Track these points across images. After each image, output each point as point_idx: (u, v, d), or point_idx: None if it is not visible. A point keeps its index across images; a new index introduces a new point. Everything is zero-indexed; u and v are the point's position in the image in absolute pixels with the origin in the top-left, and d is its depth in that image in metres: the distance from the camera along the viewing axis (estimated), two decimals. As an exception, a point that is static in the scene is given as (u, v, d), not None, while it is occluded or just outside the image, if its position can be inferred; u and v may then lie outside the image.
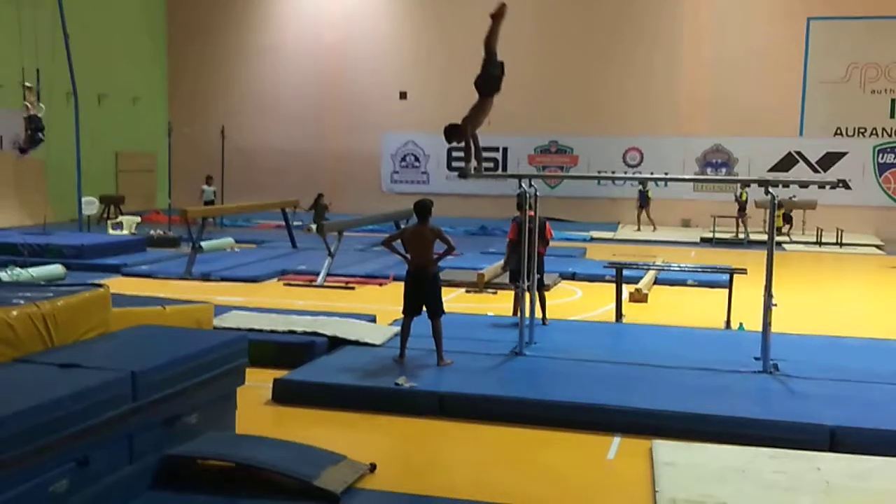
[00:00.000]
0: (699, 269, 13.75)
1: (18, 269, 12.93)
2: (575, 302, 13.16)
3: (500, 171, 26.54)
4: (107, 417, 4.97)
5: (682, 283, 14.52)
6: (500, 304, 12.47)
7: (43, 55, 19.07)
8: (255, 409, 7.40)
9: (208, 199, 22.39)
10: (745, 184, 22.71)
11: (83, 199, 19.56)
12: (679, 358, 8.70)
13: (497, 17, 8.67)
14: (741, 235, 21.84)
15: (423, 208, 8.66)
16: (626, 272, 12.18)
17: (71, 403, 4.74)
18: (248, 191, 25.31)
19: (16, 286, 7.85)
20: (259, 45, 28.77)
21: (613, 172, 25.51)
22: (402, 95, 27.74)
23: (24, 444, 4.43)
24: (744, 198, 22.43)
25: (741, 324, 10.67)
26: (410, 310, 8.59)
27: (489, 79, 8.59)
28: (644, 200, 23.69)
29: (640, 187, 23.79)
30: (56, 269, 13.81)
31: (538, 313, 10.04)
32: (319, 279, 14.35)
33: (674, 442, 6.58)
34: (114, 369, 5.25)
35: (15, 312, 5.50)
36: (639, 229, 23.60)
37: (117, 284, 11.93)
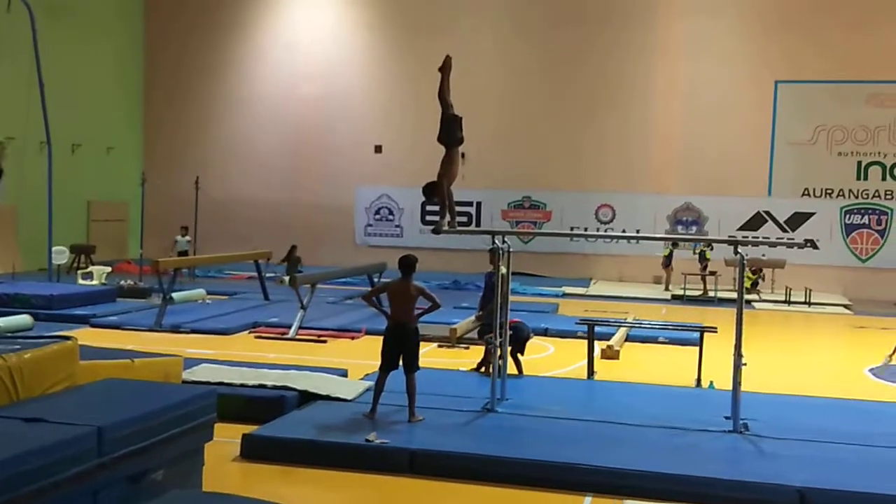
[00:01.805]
0: (670, 327, 13.84)
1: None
2: (547, 358, 13.17)
3: (473, 226, 26.67)
4: (72, 473, 4.88)
5: (654, 340, 14.59)
6: (472, 358, 12.44)
7: (18, 104, 19.08)
8: (223, 465, 7.30)
9: (182, 250, 22.29)
10: (708, 243, 23.02)
11: (54, 249, 19.42)
12: (650, 416, 8.71)
13: (444, 69, 8.94)
14: (710, 293, 22.02)
15: (408, 264, 8.69)
16: (598, 329, 12.22)
17: (35, 458, 4.66)
18: (221, 242, 25.24)
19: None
20: (235, 97, 28.93)
21: (586, 229, 25.74)
22: (377, 149, 27.93)
23: (-14, 501, 4.34)
24: (707, 256, 22.69)
25: (711, 382, 10.71)
26: (388, 365, 8.56)
27: (449, 130, 8.76)
28: (668, 260, 23.64)
29: (670, 247, 23.72)
30: (23, 319, 13.63)
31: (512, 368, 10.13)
32: (291, 332, 14.27)
33: (644, 502, 6.57)
34: (80, 424, 5.18)
35: (-20, 365, 5.43)
36: (667, 289, 23.50)
37: (86, 335, 11.78)
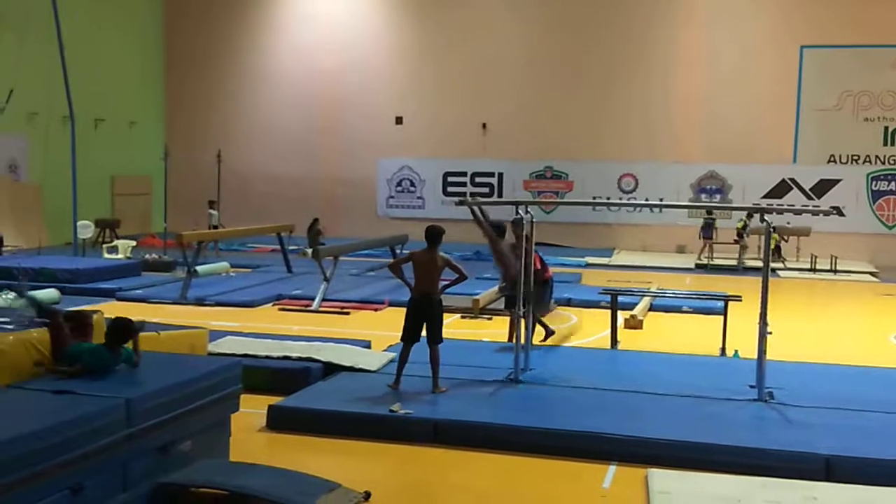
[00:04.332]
0: (694, 296, 13.77)
1: (13, 294, 12.88)
2: (570, 328, 13.16)
3: (495, 197, 26.59)
4: (101, 444, 4.95)
5: (678, 310, 14.53)
6: (495, 329, 12.46)
7: (41, 80, 19.15)
8: (249, 435, 7.37)
9: (214, 224, 22.40)
10: (749, 213, 22.64)
11: (79, 223, 19.56)
12: (674, 385, 8.70)
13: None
14: (741, 262, 21.78)
15: (434, 234, 8.60)
16: (621, 298, 12.19)
17: (65, 430, 4.73)
18: (244, 215, 25.31)
19: (11, 311, 7.85)
20: (255, 70, 28.89)
21: (608, 198, 25.58)
22: (398, 120, 27.84)
23: (19, 471, 4.41)
24: (741, 225, 22.45)
25: (736, 351, 10.67)
26: (411, 335, 8.56)
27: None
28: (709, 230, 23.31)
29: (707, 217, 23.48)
30: (51, 293, 13.77)
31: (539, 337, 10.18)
32: (315, 304, 14.33)
33: (669, 471, 6.57)
34: (108, 396, 5.24)
35: (10, 338, 5.50)
36: (704, 258, 22.97)
37: (112, 309, 11.90)
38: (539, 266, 10.68)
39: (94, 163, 24.01)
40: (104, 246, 21.39)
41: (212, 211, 22.72)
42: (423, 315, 8.52)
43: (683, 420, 7.58)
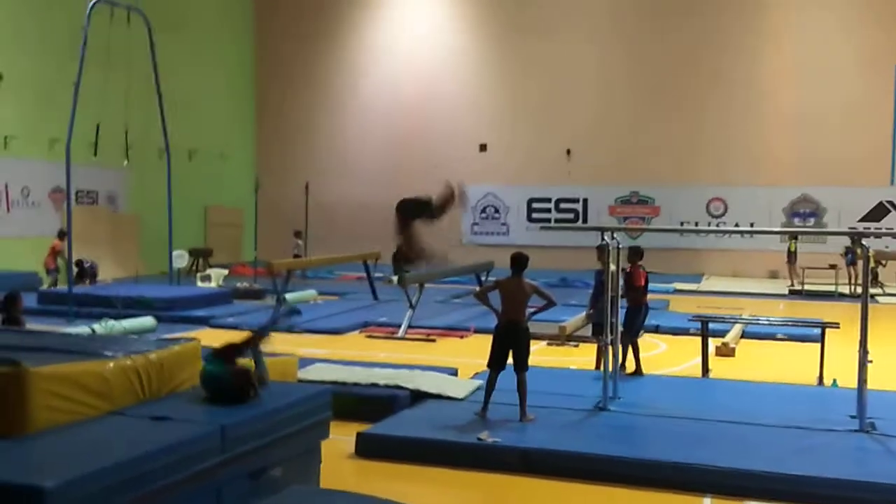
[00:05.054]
0: (789, 323, 13.37)
1: (112, 322, 13.33)
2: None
3: (579, 223, 26.41)
4: (197, 470, 5.05)
5: (771, 337, 14.12)
6: (581, 356, 12.32)
7: (137, 113, 19.89)
8: (339, 462, 7.42)
9: (299, 253, 22.87)
10: (853, 238, 22.05)
11: (174, 253, 20.16)
12: (769, 415, 8.43)
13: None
14: (842, 288, 21.04)
15: (522, 261, 8.61)
16: (712, 325, 11.92)
17: (163, 456, 4.84)
18: (330, 243, 25.72)
19: (110, 339, 8.11)
20: (341, 102, 29.48)
21: (697, 224, 25.14)
22: (482, 148, 27.97)
23: (118, 497, 4.52)
24: (843, 252, 21.69)
25: (835, 380, 10.29)
26: (498, 363, 8.52)
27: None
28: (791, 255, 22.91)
29: (792, 241, 22.90)
30: (148, 321, 14.20)
31: (630, 366, 9.97)
32: (401, 331, 14.42)
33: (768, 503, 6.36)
34: (204, 422, 5.36)
35: (110, 365, 5.66)
36: (792, 284, 22.80)
37: (205, 336, 12.13)
38: (642, 283, 10.46)
39: (188, 194, 24.75)
40: (198, 275, 22.00)
41: (298, 241, 23.18)
42: (511, 342, 8.49)
43: (781, 451, 7.33)
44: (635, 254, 10.75)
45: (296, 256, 22.49)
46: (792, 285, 22.37)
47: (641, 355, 10.76)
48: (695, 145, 25.90)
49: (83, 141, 17.94)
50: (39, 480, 4.24)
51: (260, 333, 6.37)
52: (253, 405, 5.88)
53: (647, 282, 10.76)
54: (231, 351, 6.15)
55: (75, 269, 17.62)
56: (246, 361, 6.16)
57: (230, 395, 5.84)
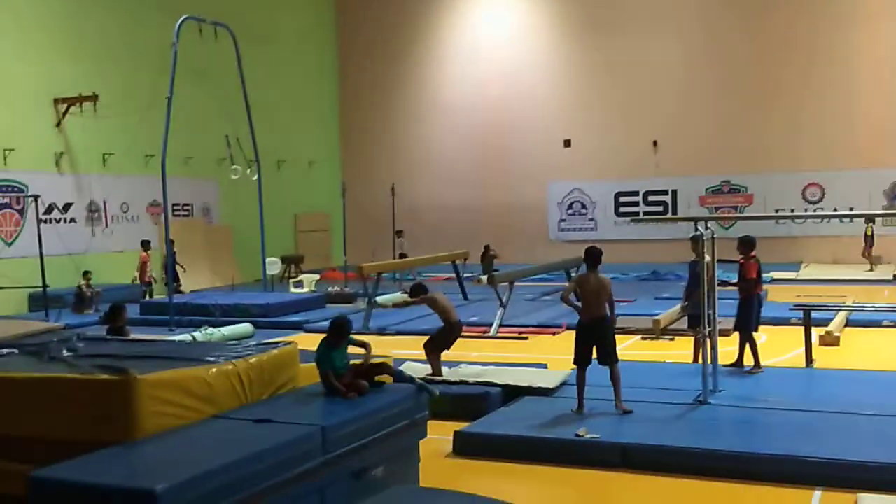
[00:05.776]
0: (896, 309, 12.86)
1: (211, 329, 13.69)
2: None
3: (669, 215, 25.94)
4: (300, 471, 5.13)
5: (877, 325, 13.59)
6: (677, 350, 12.09)
7: (226, 127, 20.41)
8: (437, 461, 7.45)
9: (402, 253, 23.11)
10: None
11: (267, 260, 20.58)
12: (879, 405, 8.11)
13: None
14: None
15: (595, 255, 8.53)
16: (814, 314, 11.52)
17: (268, 457, 4.93)
18: (418, 245, 25.88)
19: (210, 346, 8.32)
20: (423, 105, 29.64)
21: (793, 210, 24.39)
22: (567, 143, 27.74)
23: (225, 499, 4.63)
24: None
25: (948, 367, 9.85)
26: (584, 359, 8.45)
27: None
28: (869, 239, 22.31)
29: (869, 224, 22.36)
30: (246, 327, 14.55)
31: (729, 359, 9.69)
32: (493, 330, 14.40)
33: (882, 495, 6.11)
34: (305, 424, 5.44)
35: (213, 370, 5.80)
36: (871, 269, 22.14)
37: (300, 340, 12.35)
38: (754, 275, 10.11)
39: (279, 202, 25.25)
40: (290, 281, 22.44)
41: (400, 240, 23.40)
42: (594, 338, 8.41)
43: (894, 441, 7.03)
44: (746, 244, 10.31)
45: (401, 256, 22.76)
46: (871, 269, 21.58)
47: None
48: (787, 130, 25.12)
49: (177, 155, 18.48)
50: (150, 484, 4.37)
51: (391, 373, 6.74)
52: (352, 406, 5.95)
53: (759, 273, 10.29)
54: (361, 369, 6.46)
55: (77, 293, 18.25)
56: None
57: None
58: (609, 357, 8.39)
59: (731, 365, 10.20)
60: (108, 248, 21.67)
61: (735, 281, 10.27)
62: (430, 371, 9.88)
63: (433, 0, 29.55)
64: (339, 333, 6.43)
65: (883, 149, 24.26)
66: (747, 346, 10.13)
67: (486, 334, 14.35)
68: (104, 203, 21.90)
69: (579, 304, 8.59)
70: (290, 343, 6.69)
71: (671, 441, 7.28)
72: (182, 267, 19.82)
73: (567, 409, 8.35)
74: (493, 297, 15.38)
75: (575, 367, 8.51)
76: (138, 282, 19.50)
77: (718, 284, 10.68)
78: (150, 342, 7.95)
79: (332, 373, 6.22)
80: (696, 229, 9.15)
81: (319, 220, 29.13)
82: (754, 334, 10.16)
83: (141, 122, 20.66)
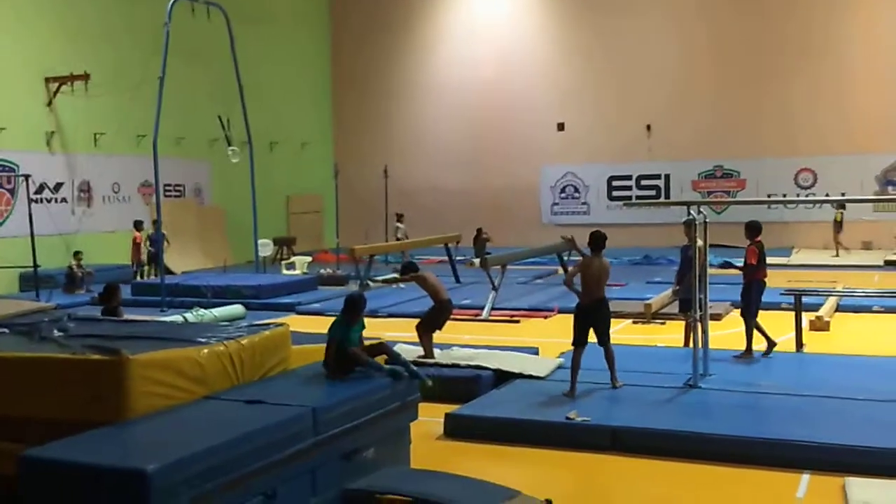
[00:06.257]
0: (887, 294, 12.92)
1: (203, 310, 13.67)
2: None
3: (662, 199, 25.96)
4: (291, 451, 5.15)
5: (867, 310, 13.67)
6: (668, 334, 12.13)
7: (220, 108, 20.32)
8: (428, 443, 7.48)
9: (401, 236, 23.04)
10: None
11: (259, 242, 20.54)
12: (868, 390, 8.17)
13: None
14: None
15: (601, 239, 8.60)
16: (805, 299, 11.58)
17: (258, 438, 4.94)
18: (411, 227, 25.82)
19: (202, 326, 8.31)
20: (417, 86, 29.51)
21: (785, 195, 24.43)
22: (560, 127, 27.69)
23: (217, 478, 4.64)
24: None
25: (937, 352, 9.91)
26: (582, 340, 8.54)
27: None
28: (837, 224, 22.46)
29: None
30: (237, 309, 14.52)
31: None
32: (485, 313, 14.42)
33: (868, 479, 6.17)
34: (296, 405, 5.45)
35: (205, 351, 5.80)
36: (837, 254, 22.34)
37: (292, 322, 12.34)
38: (753, 261, 9.98)
39: (271, 184, 25.14)
40: (282, 263, 22.40)
41: (399, 224, 23.34)
42: (594, 319, 8.50)
43: (881, 426, 7.10)
44: (752, 229, 10.16)
45: (399, 239, 22.71)
46: (837, 255, 21.84)
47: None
48: (780, 116, 25.12)
49: (169, 135, 18.37)
50: (141, 463, 4.39)
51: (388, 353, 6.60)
52: (343, 387, 5.97)
53: (760, 258, 10.13)
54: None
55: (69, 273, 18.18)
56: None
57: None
58: (605, 337, 8.54)
59: (767, 352, 10.03)
60: (99, 228, 21.57)
61: (740, 265, 10.26)
62: (421, 353, 9.91)
63: (427, -19, 29.41)
64: (353, 311, 6.44)
65: (875, 135, 24.28)
66: (755, 331, 10.05)
67: (478, 317, 14.39)
68: (90, 183, 21.70)
69: (579, 288, 8.63)
70: (281, 325, 6.68)
71: (661, 424, 7.33)
72: (167, 241, 19.57)
73: (558, 392, 8.39)
74: (485, 280, 15.40)
75: (573, 347, 8.57)
76: (144, 258, 19.47)
77: (722, 268, 10.77)
78: (142, 323, 7.93)
79: (359, 350, 6.29)
80: (689, 213, 9.17)
81: (312, 201, 29.05)
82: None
83: (133, 102, 20.53)
